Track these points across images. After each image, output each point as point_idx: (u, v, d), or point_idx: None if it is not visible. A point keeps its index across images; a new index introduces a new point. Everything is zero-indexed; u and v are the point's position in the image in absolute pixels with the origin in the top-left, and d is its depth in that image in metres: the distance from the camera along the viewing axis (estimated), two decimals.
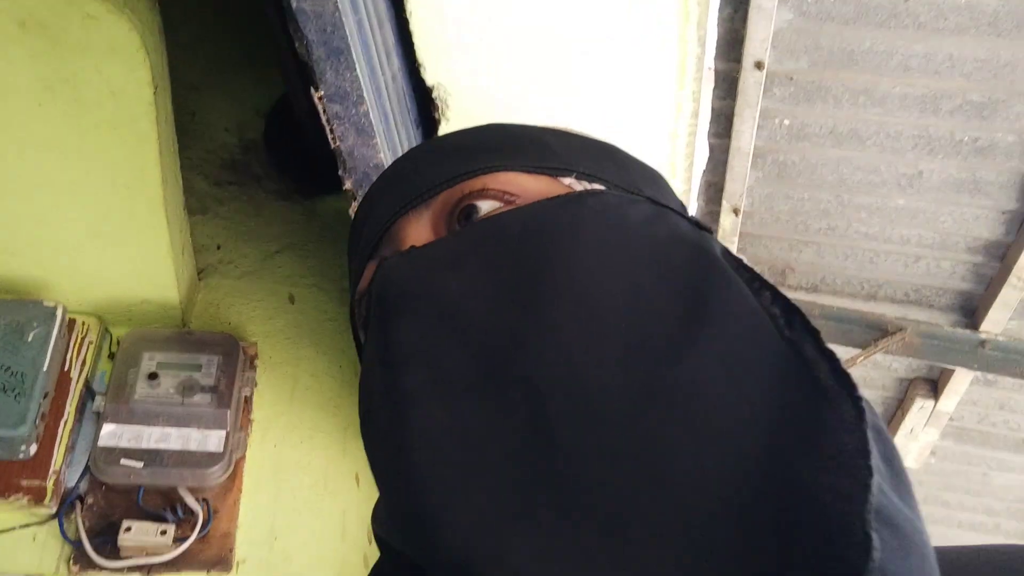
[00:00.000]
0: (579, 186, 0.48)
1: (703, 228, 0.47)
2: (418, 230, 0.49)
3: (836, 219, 1.89)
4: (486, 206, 0.47)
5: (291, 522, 1.58)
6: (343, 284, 1.89)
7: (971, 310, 1.99)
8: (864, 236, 1.91)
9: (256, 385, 1.70)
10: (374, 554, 1.64)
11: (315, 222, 2.00)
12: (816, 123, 1.70)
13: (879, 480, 0.31)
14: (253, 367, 1.71)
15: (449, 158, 0.51)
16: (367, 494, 1.64)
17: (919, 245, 1.89)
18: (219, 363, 1.59)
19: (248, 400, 1.67)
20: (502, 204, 0.47)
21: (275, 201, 2.01)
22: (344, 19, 0.87)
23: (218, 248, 1.89)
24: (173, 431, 1.52)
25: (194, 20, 2.12)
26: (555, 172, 0.48)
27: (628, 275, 0.40)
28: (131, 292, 1.65)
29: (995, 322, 1.93)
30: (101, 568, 1.43)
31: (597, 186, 0.48)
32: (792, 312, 0.39)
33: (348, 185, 1.02)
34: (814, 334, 0.38)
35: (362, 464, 1.67)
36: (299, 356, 1.77)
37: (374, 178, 1.07)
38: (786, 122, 1.72)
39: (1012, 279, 1.82)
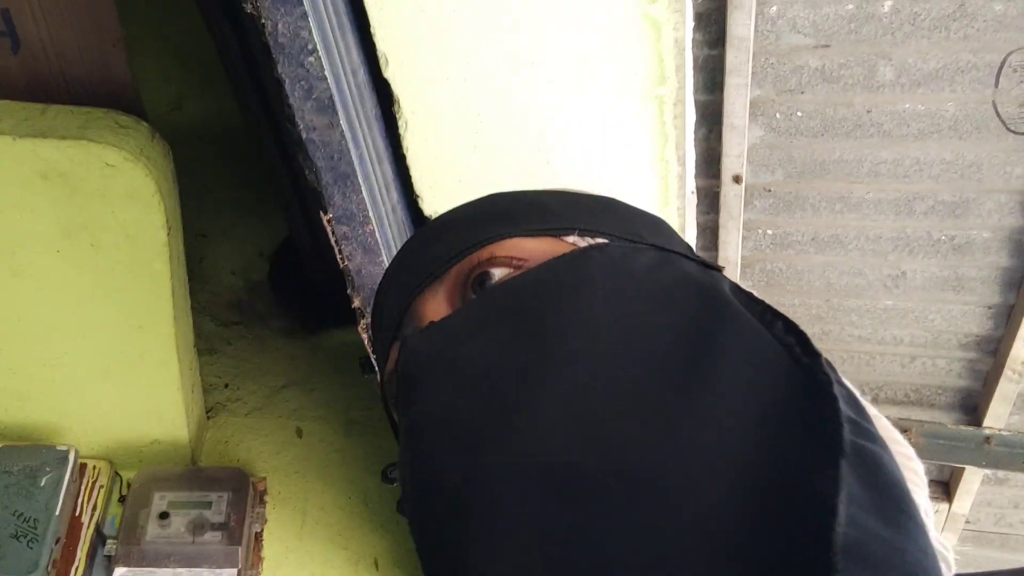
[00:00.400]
0: (583, 242, 0.49)
1: (712, 267, 0.49)
2: (435, 306, 0.51)
3: (829, 323, 1.93)
4: (498, 273, 0.49)
5: None
6: (349, 415, 1.91)
7: (972, 407, 2.00)
8: (858, 339, 1.95)
9: (266, 521, 1.69)
10: None
11: (319, 356, 2.04)
12: (798, 231, 1.78)
13: (848, 514, 0.32)
14: (263, 502, 1.71)
15: (456, 232, 0.53)
16: None
17: (912, 345, 1.93)
18: (229, 499, 1.59)
19: (259, 536, 1.66)
20: (511, 270, 0.49)
21: (280, 338, 2.05)
22: (349, 146, 0.94)
23: (226, 386, 1.92)
24: (185, 572, 1.51)
25: (199, 172, 2.24)
26: (557, 232, 0.50)
27: (635, 317, 0.43)
28: (142, 432, 1.67)
29: (997, 417, 1.94)
30: None
31: (600, 240, 0.49)
32: (806, 340, 0.41)
33: (356, 303, 1.07)
34: (819, 357, 0.40)
35: None
36: (308, 490, 1.77)
37: None
38: (769, 232, 1.79)
39: (1008, 372, 1.85)
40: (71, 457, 1.55)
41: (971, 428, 1.95)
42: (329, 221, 0.97)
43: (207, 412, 1.85)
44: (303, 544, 1.69)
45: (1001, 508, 2.24)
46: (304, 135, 0.90)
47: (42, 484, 1.50)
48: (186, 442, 1.70)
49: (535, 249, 0.49)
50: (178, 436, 1.69)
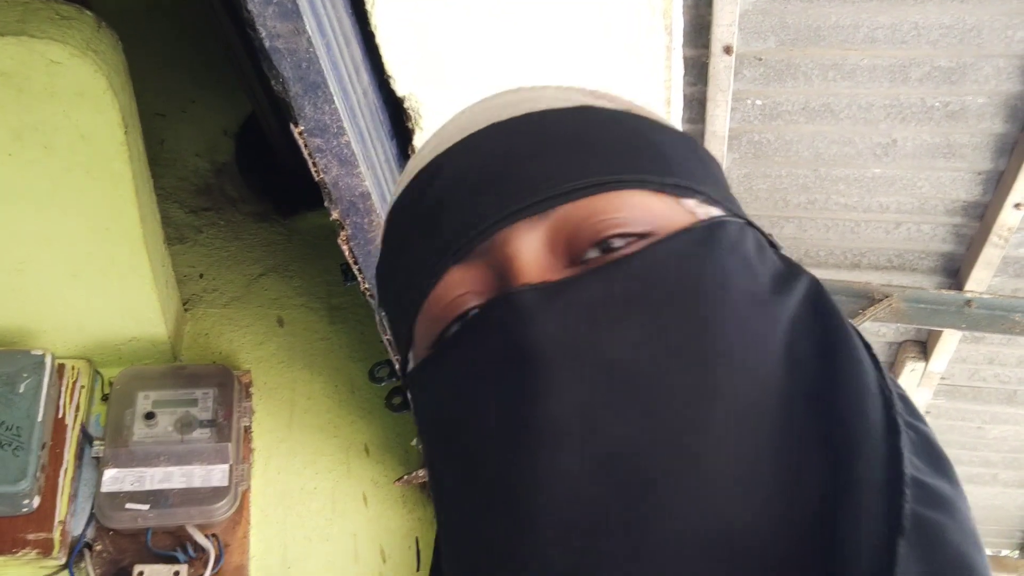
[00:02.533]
0: (700, 210, 0.43)
1: (774, 245, 0.44)
2: (531, 248, 0.41)
3: (815, 193, 1.90)
4: (622, 234, 0.41)
5: (303, 549, 1.58)
6: (332, 302, 1.88)
7: (954, 271, 2.01)
8: (844, 207, 1.92)
9: (254, 413, 1.69)
10: (389, 574, 1.62)
11: (296, 241, 1.98)
12: (788, 101, 1.71)
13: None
14: (249, 395, 1.70)
15: (566, 155, 0.43)
16: (376, 513, 1.64)
17: (898, 211, 1.91)
18: (215, 396, 1.58)
19: (248, 430, 1.65)
20: (636, 236, 0.40)
21: (254, 223, 1.99)
22: (318, 53, 0.85)
23: (201, 277, 1.87)
24: (175, 470, 1.51)
25: (151, 47, 2.09)
26: (680, 192, 0.43)
27: (767, 327, 0.38)
28: (118, 331, 1.63)
29: (979, 281, 1.95)
30: None
31: (714, 211, 0.43)
32: (872, 353, 0.38)
33: (335, 215, 1.01)
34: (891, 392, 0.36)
35: (368, 484, 1.66)
36: (294, 379, 1.76)
37: (360, 207, 1.06)
38: (758, 102, 1.72)
39: (993, 237, 1.84)
40: (47, 361, 1.51)
41: (953, 292, 1.96)
42: (301, 134, 0.90)
43: (184, 304, 1.81)
44: (293, 434, 1.70)
45: (976, 364, 2.29)
46: (267, 43, 0.81)
47: (21, 391, 1.47)
48: (165, 338, 1.67)
49: (659, 212, 0.41)
50: (156, 333, 1.65)
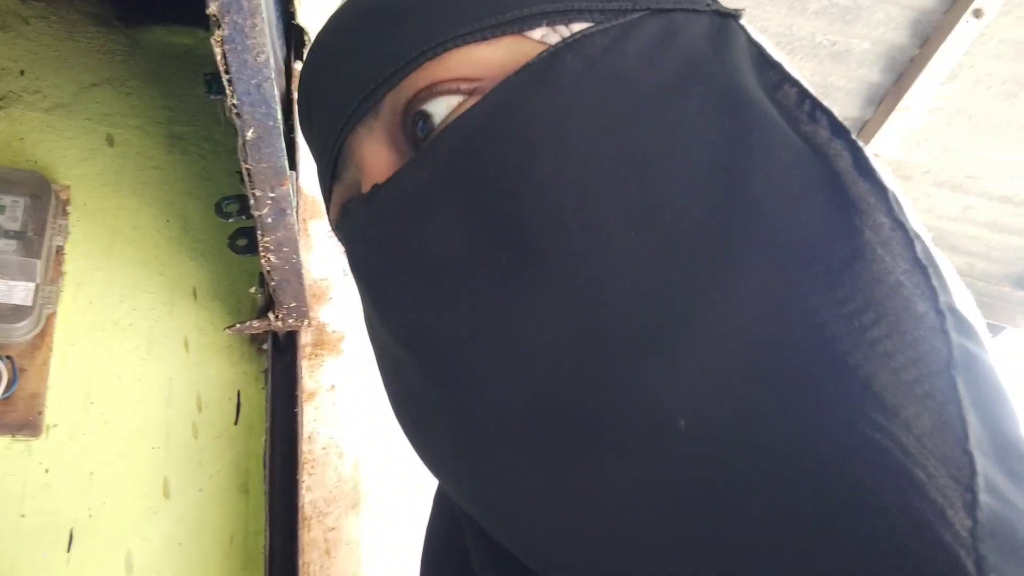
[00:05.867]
0: (555, 36, 0.35)
1: (726, 14, 0.36)
2: (373, 151, 0.38)
3: None
4: (443, 106, 0.35)
5: (110, 386, 1.45)
6: (172, 129, 1.71)
7: None
8: None
9: (69, 234, 1.52)
10: (204, 423, 1.53)
11: (138, 56, 1.77)
12: None
13: (986, 478, 0.25)
14: (65, 214, 1.52)
15: (382, 34, 0.37)
16: (197, 360, 1.53)
17: None
18: (26, 205, 1.40)
19: (60, 250, 1.49)
20: (462, 97, 0.35)
21: (91, 26, 1.76)
22: None
23: (22, 73, 1.64)
24: None
25: None
26: (519, 27, 0.35)
27: (635, 159, 0.31)
28: None
29: None
30: None
31: (577, 25, 0.34)
32: (856, 148, 0.32)
33: (213, 9, 0.88)
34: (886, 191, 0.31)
35: (192, 329, 1.54)
36: (120, 206, 1.59)
37: (244, 5, 0.93)
38: None
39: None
40: None
41: None
42: None
43: None
44: (112, 263, 1.54)
45: None
46: None
47: None
48: None
49: (491, 60, 0.35)
50: None
